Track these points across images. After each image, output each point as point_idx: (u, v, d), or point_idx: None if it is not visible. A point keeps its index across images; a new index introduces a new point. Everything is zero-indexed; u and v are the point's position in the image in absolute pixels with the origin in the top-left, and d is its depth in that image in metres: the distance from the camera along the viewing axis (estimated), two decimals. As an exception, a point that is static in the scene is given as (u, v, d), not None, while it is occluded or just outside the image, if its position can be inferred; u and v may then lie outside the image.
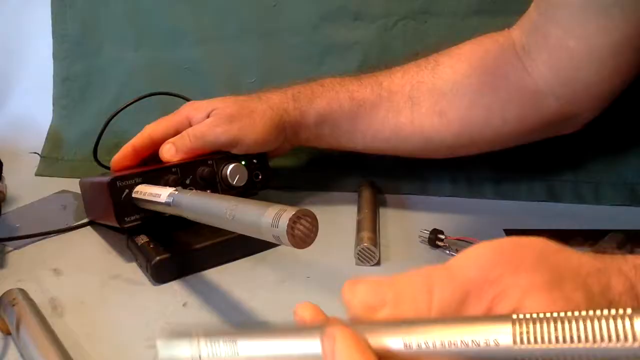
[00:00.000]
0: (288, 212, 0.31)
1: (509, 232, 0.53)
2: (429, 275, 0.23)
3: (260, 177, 0.58)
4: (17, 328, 0.39)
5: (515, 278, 0.22)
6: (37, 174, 0.84)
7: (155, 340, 0.27)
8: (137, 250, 0.51)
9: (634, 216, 0.56)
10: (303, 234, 0.31)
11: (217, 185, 0.55)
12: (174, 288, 0.48)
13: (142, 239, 0.51)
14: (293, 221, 0.31)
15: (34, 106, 0.94)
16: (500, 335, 0.19)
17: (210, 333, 0.25)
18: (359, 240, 0.50)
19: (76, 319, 0.44)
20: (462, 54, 0.55)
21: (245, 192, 0.57)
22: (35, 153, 0.87)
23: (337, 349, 0.21)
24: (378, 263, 0.49)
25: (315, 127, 0.58)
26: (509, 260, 0.22)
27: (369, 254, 0.48)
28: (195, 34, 0.78)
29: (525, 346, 0.18)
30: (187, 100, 0.64)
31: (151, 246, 0.50)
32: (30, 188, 0.75)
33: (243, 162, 0.56)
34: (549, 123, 0.53)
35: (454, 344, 0.20)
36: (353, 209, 0.59)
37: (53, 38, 0.89)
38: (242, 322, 0.41)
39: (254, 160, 0.58)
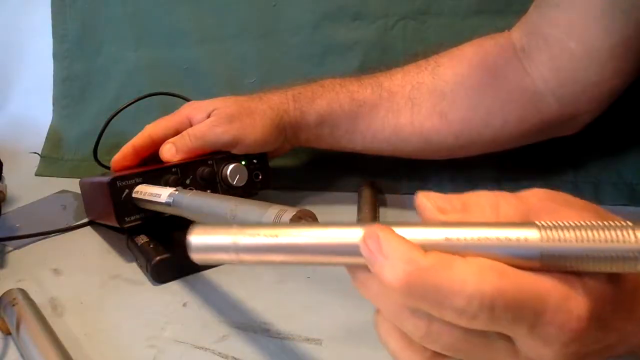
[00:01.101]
0: (289, 213, 0.31)
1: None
2: (497, 194, 0.26)
3: (260, 177, 0.58)
4: (17, 328, 0.39)
5: (568, 211, 0.24)
6: (37, 174, 0.85)
7: (190, 236, 0.27)
8: (137, 250, 0.51)
9: (634, 216, 0.56)
10: (303, 234, 0.31)
11: (217, 185, 0.55)
12: (174, 288, 0.48)
13: (142, 239, 0.51)
14: (294, 221, 0.31)
15: (34, 106, 0.94)
16: (529, 235, 0.22)
17: (248, 225, 0.26)
18: (359, 240, 0.49)
19: (76, 319, 0.44)
20: (462, 55, 0.55)
21: (245, 192, 0.57)
22: (35, 153, 0.87)
23: (383, 244, 0.23)
24: (378, 263, 0.49)
25: (316, 128, 0.58)
26: (562, 200, 0.25)
27: (369, 254, 0.48)
28: (195, 34, 0.78)
29: (549, 244, 0.22)
30: (187, 100, 0.64)
31: (151, 246, 0.50)
32: (30, 188, 0.75)
33: (243, 162, 0.56)
34: (549, 124, 0.53)
35: (490, 239, 0.22)
36: (353, 209, 0.59)
37: (53, 38, 0.89)
38: (242, 323, 0.42)
39: (254, 160, 0.58)
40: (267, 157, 0.59)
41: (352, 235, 0.24)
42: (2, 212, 0.63)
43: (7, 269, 0.53)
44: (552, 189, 0.66)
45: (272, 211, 0.32)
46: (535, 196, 0.25)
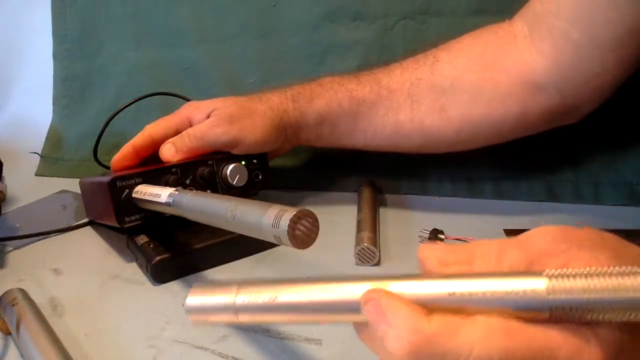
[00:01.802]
0: (289, 213, 0.31)
1: (509, 232, 0.53)
2: (500, 242, 0.25)
3: (260, 177, 0.58)
4: (17, 328, 0.39)
5: (578, 253, 0.23)
6: (37, 174, 0.85)
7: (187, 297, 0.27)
8: (137, 250, 0.51)
9: (634, 216, 0.56)
10: (304, 235, 0.31)
11: (217, 185, 0.55)
12: (174, 288, 0.48)
13: (142, 239, 0.51)
14: (294, 222, 0.31)
15: (34, 106, 0.94)
16: (536, 286, 0.21)
17: (246, 285, 0.26)
18: (359, 240, 0.50)
19: (76, 319, 0.44)
20: (461, 49, 0.54)
21: (245, 192, 0.57)
22: (35, 153, 0.87)
23: (386, 311, 0.22)
24: (378, 263, 0.49)
25: (315, 127, 0.58)
26: (573, 239, 0.24)
27: (369, 254, 0.48)
28: (195, 34, 0.78)
29: (558, 296, 0.21)
30: (187, 100, 0.64)
31: (151, 246, 0.50)
32: (30, 188, 0.75)
33: (243, 162, 0.56)
34: (550, 116, 0.53)
35: (496, 293, 0.22)
36: (353, 209, 0.59)
37: (53, 38, 0.89)
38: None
39: (254, 161, 0.58)
40: (267, 157, 0.59)
41: (354, 295, 0.23)
42: (2, 212, 0.63)
43: (7, 269, 0.53)
44: (552, 188, 0.66)
45: (272, 211, 0.32)
46: (541, 238, 0.24)
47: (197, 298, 0.27)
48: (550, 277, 0.21)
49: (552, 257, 0.23)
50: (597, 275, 0.20)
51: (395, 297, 0.22)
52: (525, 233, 0.25)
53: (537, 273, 0.21)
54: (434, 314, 0.22)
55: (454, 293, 0.22)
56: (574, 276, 0.21)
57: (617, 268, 0.20)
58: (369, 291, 0.23)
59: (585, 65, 0.49)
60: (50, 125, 0.89)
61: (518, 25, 0.52)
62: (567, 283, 0.21)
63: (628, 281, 0.20)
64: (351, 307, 0.24)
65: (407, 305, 0.22)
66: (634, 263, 0.23)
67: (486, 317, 0.22)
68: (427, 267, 0.25)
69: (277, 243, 0.32)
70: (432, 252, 0.25)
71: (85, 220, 0.62)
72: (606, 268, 0.21)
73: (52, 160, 0.86)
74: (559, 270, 0.21)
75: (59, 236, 0.60)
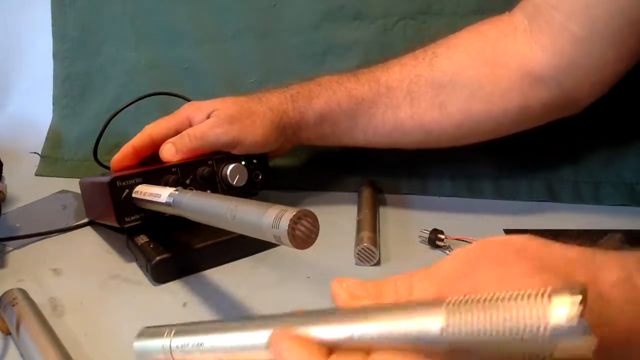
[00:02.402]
0: (289, 213, 0.31)
1: (509, 232, 0.53)
2: (411, 274, 0.25)
3: (260, 177, 0.58)
4: (17, 328, 0.39)
5: (490, 272, 0.22)
6: (37, 174, 0.85)
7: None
8: (137, 250, 0.51)
9: (634, 216, 0.56)
10: (304, 235, 0.31)
11: (217, 185, 0.55)
12: (174, 288, 0.48)
13: (142, 239, 0.51)
14: (294, 222, 0.31)
15: (34, 106, 0.94)
16: (430, 321, 0.20)
17: (179, 331, 0.30)
18: (359, 240, 0.50)
19: (76, 319, 0.44)
20: (460, 44, 0.54)
21: (245, 192, 0.57)
22: (35, 153, 0.87)
23: (284, 354, 0.23)
24: (378, 263, 0.49)
25: (316, 127, 0.58)
26: (486, 257, 0.23)
27: (369, 254, 0.48)
28: (195, 34, 0.78)
29: (452, 329, 0.19)
30: (187, 100, 0.64)
31: (151, 246, 0.50)
32: (30, 188, 0.75)
33: (243, 162, 0.56)
34: (550, 109, 0.53)
35: (393, 331, 0.21)
36: (353, 209, 0.59)
37: (53, 38, 0.89)
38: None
39: (254, 161, 0.58)
40: (267, 157, 0.59)
41: (265, 338, 0.25)
42: (2, 212, 0.63)
43: (7, 269, 0.53)
44: (552, 188, 0.66)
45: (272, 211, 0.32)
46: (451, 263, 0.24)
47: (141, 343, 0.32)
48: (448, 305, 0.19)
49: (461, 281, 0.22)
50: (491, 300, 0.18)
51: (295, 340, 0.23)
52: (442, 259, 0.25)
53: (438, 303, 0.20)
54: (336, 353, 0.22)
55: (354, 336, 0.22)
56: (471, 303, 0.19)
57: (510, 292, 0.18)
58: (274, 333, 0.24)
59: (585, 59, 0.49)
60: (50, 125, 0.89)
61: (518, 17, 0.52)
62: (462, 314, 0.19)
63: (522, 310, 0.17)
64: (264, 349, 0.25)
65: (305, 348, 0.22)
66: (558, 269, 0.22)
67: (385, 355, 0.21)
68: (338, 302, 0.26)
69: (277, 243, 0.32)
70: (343, 286, 0.26)
71: (85, 220, 0.62)
72: (500, 293, 0.18)
73: (52, 160, 0.86)
74: (459, 298, 0.19)
75: (59, 236, 0.60)
